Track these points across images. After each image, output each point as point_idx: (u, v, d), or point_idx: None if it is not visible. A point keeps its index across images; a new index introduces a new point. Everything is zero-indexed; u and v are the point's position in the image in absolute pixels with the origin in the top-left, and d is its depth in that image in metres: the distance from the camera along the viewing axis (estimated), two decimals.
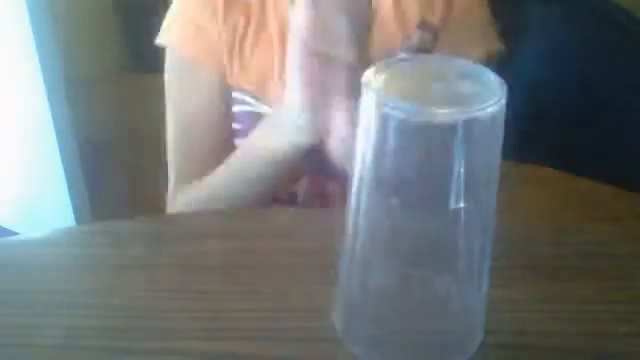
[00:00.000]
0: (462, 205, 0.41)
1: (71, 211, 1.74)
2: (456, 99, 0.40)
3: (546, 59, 0.89)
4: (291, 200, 0.82)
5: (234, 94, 0.81)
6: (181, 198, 0.80)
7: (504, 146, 0.42)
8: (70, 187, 1.72)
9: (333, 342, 0.49)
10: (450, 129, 0.39)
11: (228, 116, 0.82)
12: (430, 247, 0.45)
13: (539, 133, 0.94)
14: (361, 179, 0.43)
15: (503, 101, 0.39)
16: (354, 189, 0.44)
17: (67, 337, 0.51)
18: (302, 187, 0.82)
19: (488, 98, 0.39)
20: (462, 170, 0.40)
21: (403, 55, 0.46)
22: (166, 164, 0.82)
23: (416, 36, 0.77)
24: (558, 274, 0.55)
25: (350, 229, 0.46)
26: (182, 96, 0.82)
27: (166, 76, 0.82)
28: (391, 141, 0.40)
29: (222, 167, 0.74)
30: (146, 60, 0.87)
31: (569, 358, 0.48)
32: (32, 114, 1.66)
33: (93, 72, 2.14)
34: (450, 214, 0.41)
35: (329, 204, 0.83)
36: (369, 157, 0.42)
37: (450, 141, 0.39)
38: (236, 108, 0.81)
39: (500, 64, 0.80)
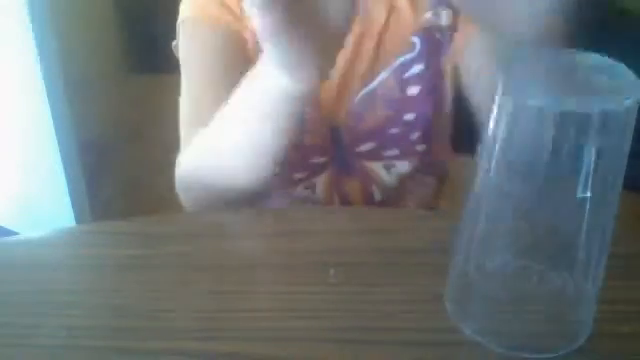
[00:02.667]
0: (589, 194, 0.42)
1: (71, 211, 1.74)
2: (590, 91, 0.41)
3: None
4: (309, 198, 0.82)
5: None
6: (184, 157, 0.72)
7: None
8: (70, 187, 1.72)
9: (333, 342, 0.49)
10: (585, 119, 0.40)
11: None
12: (551, 236, 0.45)
13: None
14: (488, 165, 0.44)
15: (639, 95, 0.40)
16: (480, 174, 0.45)
17: (67, 337, 0.51)
18: (321, 184, 0.82)
19: (623, 91, 0.40)
20: (592, 160, 0.41)
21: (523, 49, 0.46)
22: (166, 163, 0.82)
23: (430, 13, 0.77)
24: None
25: (472, 212, 0.46)
26: (195, 58, 0.79)
27: (181, 51, 0.79)
28: (524, 130, 0.41)
29: (223, 110, 0.65)
30: (146, 60, 0.87)
31: (569, 358, 0.48)
32: (32, 114, 1.66)
33: (93, 72, 2.14)
34: (576, 203, 0.42)
35: (348, 202, 0.83)
36: (500, 144, 0.42)
37: (583, 131, 0.40)
38: None
39: None
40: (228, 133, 0.65)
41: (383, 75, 0.78)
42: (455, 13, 0.77)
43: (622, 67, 0.42)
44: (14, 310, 0.53)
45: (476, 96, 0.76)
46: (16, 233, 1.64)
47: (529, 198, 0.43)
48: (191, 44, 0.79)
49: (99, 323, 0.52)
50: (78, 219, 1.74)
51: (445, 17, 0.77)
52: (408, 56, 0.78)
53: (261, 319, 0.51)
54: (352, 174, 0.83)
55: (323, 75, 0.58)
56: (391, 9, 0.78)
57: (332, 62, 0.57)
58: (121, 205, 1.81)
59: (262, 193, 0.74)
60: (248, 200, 0.70)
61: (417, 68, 0.78)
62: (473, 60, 0.76)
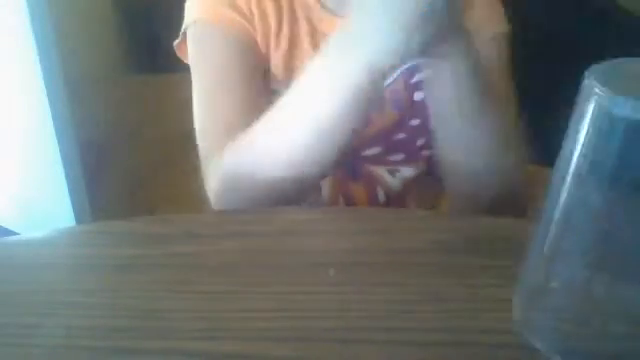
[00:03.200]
0: None
1: (71, 211, 1.74)
2: None
3: (546, 58, 0.89)
4: (316, 201, 0.82)
5: (275, 85, 0.78)
6: (227, 157, 0.68)
7: None
8: (70, 187, 1.72)
9: (333, 342, 0.49)
10: None
11: (258, 87, 0.76)
12: (623, 249, 0.45)
13: (539, 132, 0.94)
14: (569, 174, 0.43)
15: None
16: (556, 182, 0.44)
17: (67, 337, 0.51)
18: (327, 187, 0.82)
19: None
20: None
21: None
22: (166, 163, 0.82)
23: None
24: None
25: (547, 221, 0.46)
26: (209, 63, 0.77)
27: (191, 56, 0.78)
28: (611, 140, 0.41)
29: (275, 109, 0.63)
30: (146, 60, 0.87)
31: (569, 358, 0.48)
32: (32, 114, 1.66)
33: (93, 72, 2.14)
34: None
35: (354, 204, 0.83)
36: (585, 153, 0.42)
37: None
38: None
39: None
40: (290, 122, 0.63)
41: (391, 78, 0.78)
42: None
43: None
44: (14, 310, 0.53)
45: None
46: (16, 233, 1.64)
47: (609, 211, 0.43)
48: (203, 48, 0.78)
49: (99, 323, 0.52)
50: (78, 219, 1.74)
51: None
52: (415, 61, 0.77)
53: (261, 319, 0.51)
54: (357, 178, 0.83)
55: (408, 54, 0.55)
56: None
57: (418, 44, 0.55)
58: (121, 205, 1.80)
59: (316, 186, 0.72)
60: (300, 194, 0.67)
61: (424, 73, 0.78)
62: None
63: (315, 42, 0.78)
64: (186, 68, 0.81)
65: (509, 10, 0.80)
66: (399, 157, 0.83)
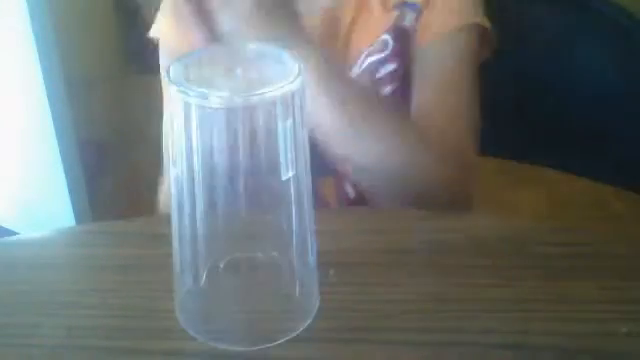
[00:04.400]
0: (291, 175, 0.44)
1: (71, 211, 1.74)
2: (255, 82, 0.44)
3: (546, 58, 0.89)
4: None
5: None
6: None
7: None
8: (70, 187, 1.72)
9: (333, 342, 0.49)
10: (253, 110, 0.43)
11: None
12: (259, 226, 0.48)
13: (539, 132, 0.94)
14: (189, 172, 0.45)
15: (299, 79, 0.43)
16: (180, 183, 0.46)
17: (67, 337, 0.51)
18: None
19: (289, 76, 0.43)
20: (288, 142, 0.44)
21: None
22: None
23: (396, 12, 0.76)
24: (558, 274, 0.55)
25: (181, 222, 0.47)
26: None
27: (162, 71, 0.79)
28: (211, 131, 0.43)
29: None
30: (146, 60, 0.87)
31: (569, 358, 0.48)
32: (32, 114, 1.66)
33: (93, 72, 2.14)
34: (281, 186, 0.45)
35: (325, 201, 0.83)
36: (195, 149, 0.44)
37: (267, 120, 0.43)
38: None
39: (502, 62, 0.81)
40: None
41: (354, 75, 0.78)
42: (418, 14, 0.76)
43: (284, 53, 0.45)
44: (14, 310, 0.53)
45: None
46: (16, 233, 1.64)
47: (235, 195, 0.45)
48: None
49: (99, 323, 0.52)
50: (78, 219, 1.74)
51: (409, 18, 0.77)
52: (380, 55, 0.77)
53: (261, 319, 0.51)
54: (326, 174, 0.82)
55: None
56: (360, 7, 0.77)
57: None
58: (121, 205, 1.80)
59: None
60: None
61: (390, 67, 0.77)
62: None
63: None
64: None
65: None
66: None
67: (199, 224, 0.46)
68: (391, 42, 0.77)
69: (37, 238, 0.66)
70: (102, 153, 1.96)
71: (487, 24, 0.78)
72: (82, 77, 1.91)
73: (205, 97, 0.42)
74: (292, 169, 0.44)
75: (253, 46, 0.48)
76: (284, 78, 0.43)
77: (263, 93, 0.42)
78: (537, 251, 0.58)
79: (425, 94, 0.75)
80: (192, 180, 0.45)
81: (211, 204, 0.46)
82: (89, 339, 0.51)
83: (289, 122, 0.43)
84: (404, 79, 0.78)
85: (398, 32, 0.77)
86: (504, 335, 0.49)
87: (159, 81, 0.74)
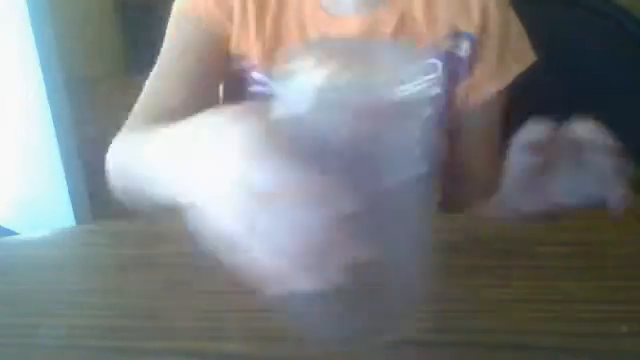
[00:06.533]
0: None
1: (71, 211, 1.74)
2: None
3: (546, 57, 0.89)
4: None
5: (255, 75, 0.78)
6: (115, 146, 0.72)
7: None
8: (70, 187, 1.72)
9: (333, 342, 0.49)
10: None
11: (208, 83, 0.78)
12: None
13: None
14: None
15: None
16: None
17: (67, 337, 0.51)
18: None
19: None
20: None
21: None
22: None
23: (449, 39, 0.75)
24: (558, 274, 0.55)
25: None
26: (169, 45, 0.79)
27: (164, 42, 0.79)
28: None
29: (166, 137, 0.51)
30: (146, 60, 0.87)
31: (569, 358, 0.48)
32: (32, 114, 1.66)
33: (93, 72, 2.15)
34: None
35: None
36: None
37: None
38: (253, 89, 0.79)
39: None
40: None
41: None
42: (474, 46, 0.76)
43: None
44: (14, 310, 0.53)
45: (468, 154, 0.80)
46: (16, 233, 1.64)
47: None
48: (172, 34, 0.79)
49: (99, 323, 0.52)
50: (78, 219, 1.74)
51: (464, 49, 0.76)
52: (429, 76, 0.76)
53: (261, 319, 0.51)
54: None
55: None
56: (403, 18, 0.76)
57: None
58: (121, 205, 1.80)
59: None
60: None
61: (433, 91, 0.76)
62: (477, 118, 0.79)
63: (303, 36, 0.77)
64: None
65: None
66: None
67: None
68: (440, 67, 0.75)
69: (37, 238, 0.66)
70: (102, 153, 1.96)
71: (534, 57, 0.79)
72: (82, 77, 1.91)
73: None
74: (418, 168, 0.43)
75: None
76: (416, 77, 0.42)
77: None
78: (537, 251, 0.58)
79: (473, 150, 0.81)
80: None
81: None
82: (90, 339, 0.51)
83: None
84: (443, 106, 0.77)
85: (449, 59, 0.76)
86: (504, 335, 0.49)
87: None
